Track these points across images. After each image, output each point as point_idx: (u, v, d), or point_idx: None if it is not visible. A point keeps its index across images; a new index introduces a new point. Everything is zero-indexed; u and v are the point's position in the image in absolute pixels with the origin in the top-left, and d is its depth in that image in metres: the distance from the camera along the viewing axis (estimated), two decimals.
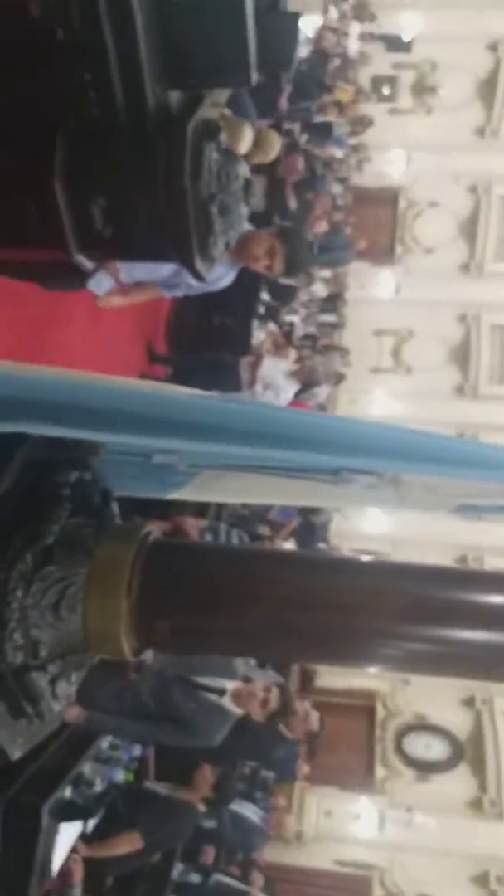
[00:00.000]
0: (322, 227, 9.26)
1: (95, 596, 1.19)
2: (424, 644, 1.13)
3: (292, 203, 7.53)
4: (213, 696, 3.93)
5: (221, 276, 3.53)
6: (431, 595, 1.16)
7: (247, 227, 3.89)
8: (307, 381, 7.19)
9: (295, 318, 9.18)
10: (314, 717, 5.39)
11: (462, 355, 13.11)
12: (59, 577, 1.17)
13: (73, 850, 3.45)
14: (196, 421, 1.18)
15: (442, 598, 1.16)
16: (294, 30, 3.52)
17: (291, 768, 6.86)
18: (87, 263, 2.41)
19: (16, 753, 1.24)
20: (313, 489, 1.32)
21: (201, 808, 4.36)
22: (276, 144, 4.66)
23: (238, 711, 4.07)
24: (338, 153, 12.23)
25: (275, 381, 5.84)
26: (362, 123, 13.16)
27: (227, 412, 1.22)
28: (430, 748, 11.73)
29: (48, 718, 1.25)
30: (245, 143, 4.16)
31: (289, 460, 1.20)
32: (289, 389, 6.31)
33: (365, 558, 1.32)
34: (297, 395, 6.76)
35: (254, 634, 1.18)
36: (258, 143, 4.37)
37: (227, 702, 4.00)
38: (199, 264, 2.34)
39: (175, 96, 2.35)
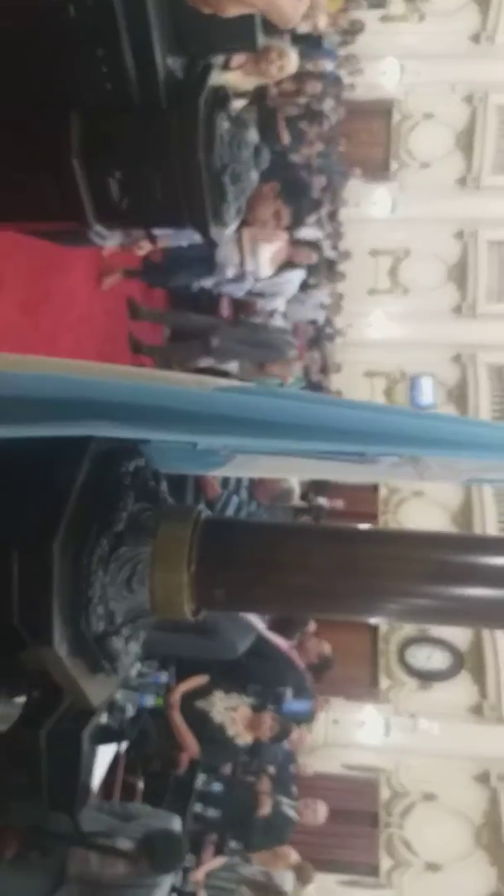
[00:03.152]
0: (317, 148, 9.14)
1: (160, 571, 1.37)
2: (443, 601, 1.32)
3: (285, 136, 7.42)
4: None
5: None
6: (448, 559, 1.36)
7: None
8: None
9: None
10: (325, 644, 5.71)
11: (460, 273, 12.96)
12: (129, 557, 1.36)
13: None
14: (232, 416, 1.35)
15: (458, 562, 1.36)
16: None
17: (308, 712, 7.38)
18: (105, 233, 2.51)
19: (96, 702, 1.46)
20: (341, 467, 1.51)
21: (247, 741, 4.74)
22: (294, 58, 4.64)
23: (261, 625, 4.36)
24: (329, 66, 11.89)
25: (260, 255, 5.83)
26: (353, 30, 12.73)
27: (258, 406, 1.37)
28: (431, 659, 12.21)
29: (121, 673, 1.46)
30: (294, 64, 4.19)
31: (317, 449, 1.39)
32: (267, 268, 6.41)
33: (391, 529, 1.49)
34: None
35: (294, 598, 1.38)
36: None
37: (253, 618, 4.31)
38: (213, 230, 2.45)
39: (184, 63, 2.41)
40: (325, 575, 1.35)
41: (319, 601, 1.36)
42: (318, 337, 9.23)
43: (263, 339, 6.44)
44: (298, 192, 3.87)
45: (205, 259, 5.24)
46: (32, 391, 1.32)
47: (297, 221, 3.75)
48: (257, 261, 5.05)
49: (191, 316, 6.32)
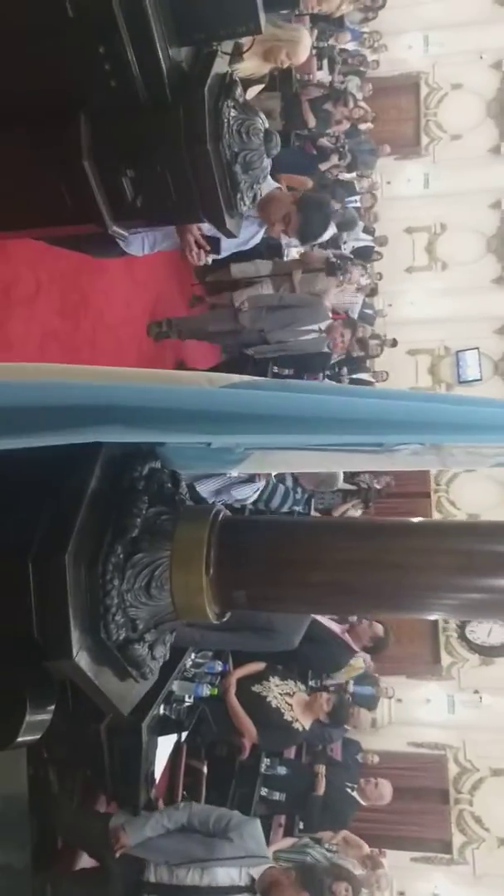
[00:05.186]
0: (343, 127, 9.02)
1: (179, 575, 1.35)
2: (473, 594, 1.28)
3: (311, 120, 7.33)
4: None
5: (253, 234, 3.56)
6: (476, 549, 1.30)
7: (274, 185, 3.82)
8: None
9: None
10: (377, 626, 5.65)
11: (498, 244, 12.64)
12: (147, 563, 1.34)
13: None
14: (241, 413, 1.32)
15: (486, 551, 1.30)
16: None
17: (372, 699, 7.36)
18: (123, 233, 2.49)
19: (126, 709, 1.45)
20: (361, 458, 1.46)
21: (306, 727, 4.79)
22: (306, 45, 4.37)
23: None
24: (352, 44, 11.70)
25: None
26: (374, 6, 12.50)
27: (267, 402, 1.34)
28: (493, 634, 12.03)
29: (149, 678, 1.45)
30: (305, 50, 3.96)
31: (331, 442, 1.34)
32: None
33: (414, 520, 1.43)
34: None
35: (318, 596, 1.35)
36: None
37: None
38: (229, 222, 2.42)
39: (188, 53, 2.36)
40: (344, 571, 1.30)
41: (341, 598, 1.33)
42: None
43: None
44: (312, 207, 3.70)
45: None
46: (38, 400, 1.30)
47: (303, 236, 3.66)
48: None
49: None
